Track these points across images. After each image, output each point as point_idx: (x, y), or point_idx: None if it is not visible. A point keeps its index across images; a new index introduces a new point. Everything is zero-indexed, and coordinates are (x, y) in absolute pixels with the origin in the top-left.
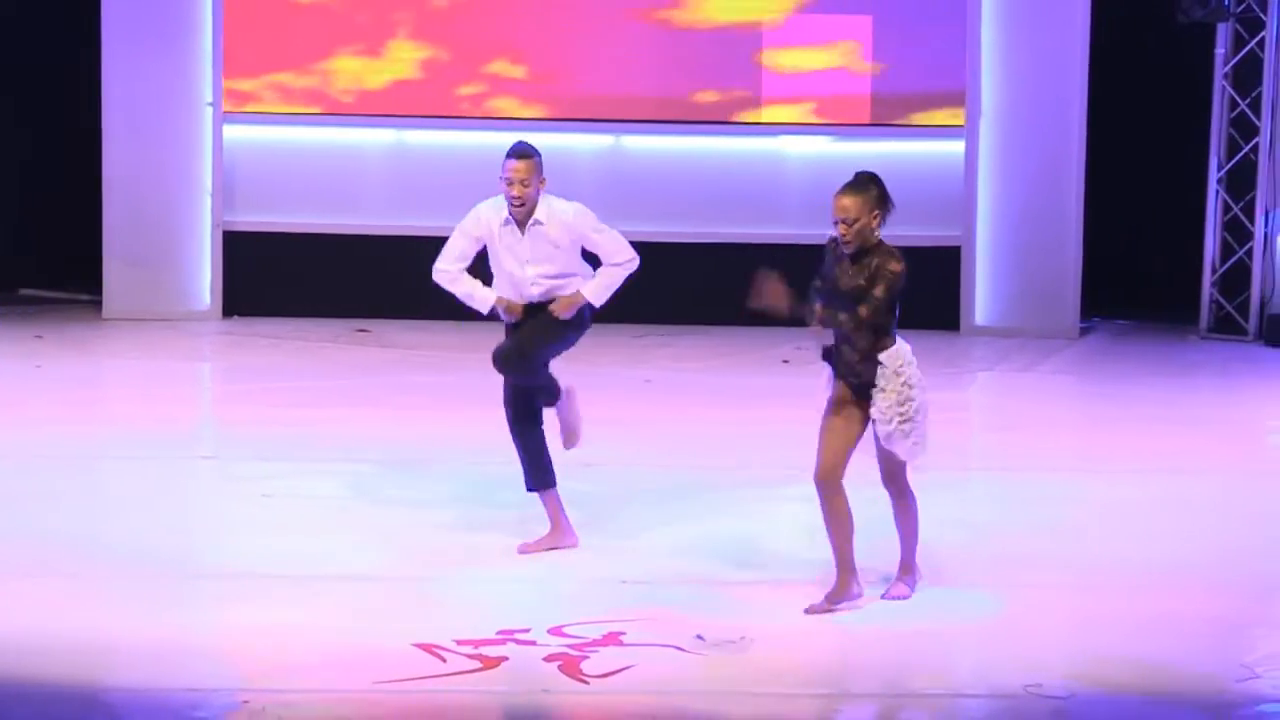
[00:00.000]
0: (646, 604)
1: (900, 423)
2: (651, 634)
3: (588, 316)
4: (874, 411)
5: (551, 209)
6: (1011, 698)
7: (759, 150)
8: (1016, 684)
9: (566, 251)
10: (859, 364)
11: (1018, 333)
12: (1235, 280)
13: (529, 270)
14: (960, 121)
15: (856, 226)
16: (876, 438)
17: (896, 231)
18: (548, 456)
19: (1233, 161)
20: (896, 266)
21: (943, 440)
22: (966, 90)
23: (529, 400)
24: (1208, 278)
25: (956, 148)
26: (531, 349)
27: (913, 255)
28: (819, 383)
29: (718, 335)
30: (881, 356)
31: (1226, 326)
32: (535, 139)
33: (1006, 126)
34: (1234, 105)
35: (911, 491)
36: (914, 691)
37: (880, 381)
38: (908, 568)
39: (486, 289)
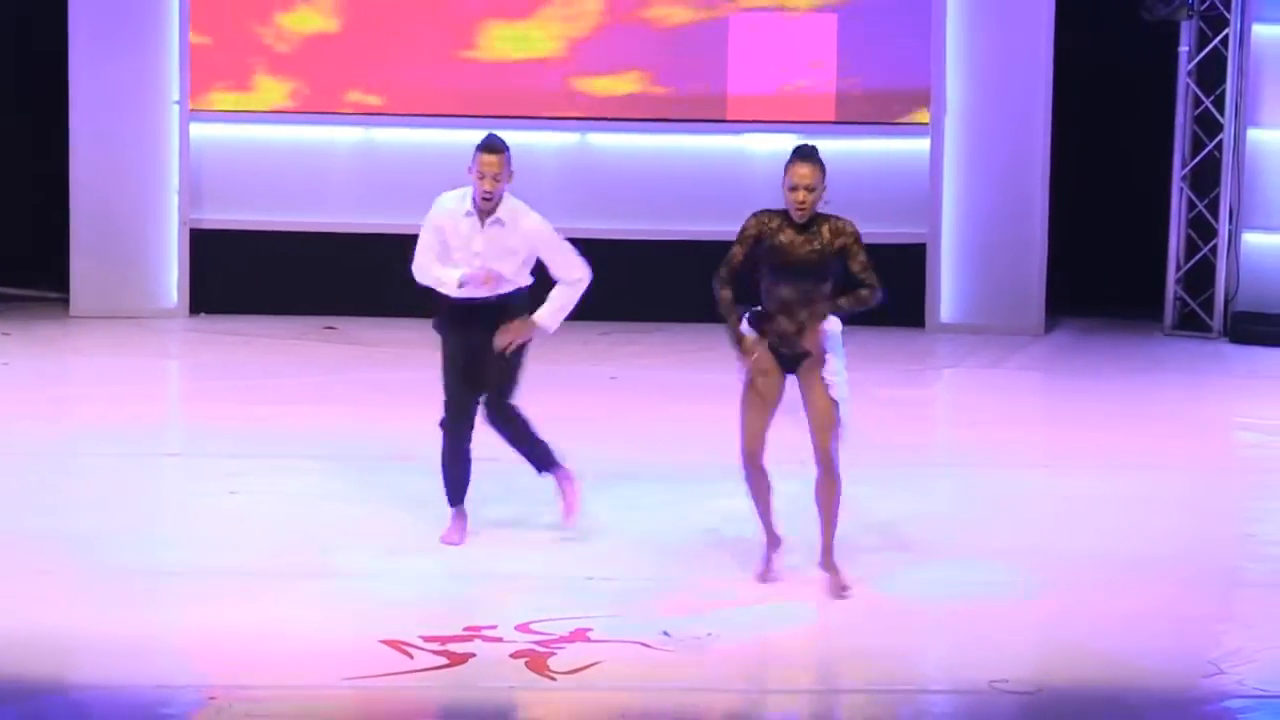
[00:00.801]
0: (613, 600)
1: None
2: (618, 630)
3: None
4: (826, 373)
5: (515, 213)
6: (978, 693)
7: (724, 148)
8: (983, 679)
9: (518, 259)
10: (794, 334)
11: (983, 329)
12: (1199, 277)
13: (479, 257)
14: (925, 119)
15: (815, 194)
16: (813, 412)
17: (863, 229)
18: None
19: (1197, 159)
20: (852, 226)
21: (908, 437)
22: (931, 88)
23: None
24: (1172, 275)
25: (922, 145)
26: (508, 398)
27: (878, 253)
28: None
29: (682, 332)
30: (827, 327)
31: (1191, 323)
32: (502, 136)
33: (971, 124)
34: (1198, 103)
35: (839, 474)
36: (880, 687)
37: (828, 346)
38: (831, 564)
39: (453, 271)
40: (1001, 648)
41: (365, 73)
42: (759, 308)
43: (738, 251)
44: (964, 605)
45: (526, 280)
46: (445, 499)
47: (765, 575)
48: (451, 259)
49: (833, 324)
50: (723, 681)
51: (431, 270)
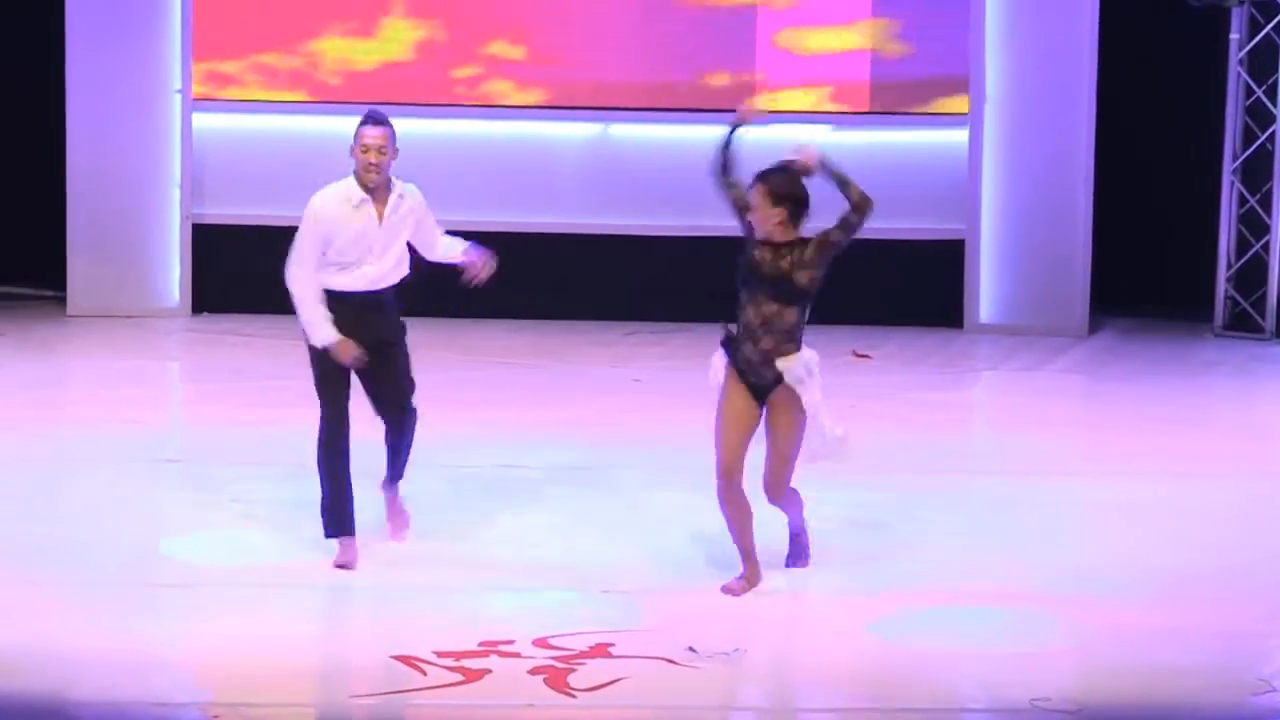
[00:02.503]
0: (636, 614)
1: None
2: (641, 646)
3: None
4: (806, 406)
5: (404, 186)
6: (1019, 711)
7: (753, 140)
8: (1023, 698)
9: (410, 233)
10: (758, 364)
11: (1024, 330)
12: (1251, 275)
13: (391, 253)
14: (964, 109)
15: (791, 222)
16: (774, 441)
17: (897, 224)
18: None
19: (1248, 151)
20: (812, 252)
21: (945, 442)
22: (970, 76)
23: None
24: (1222, 272)
25: (960, 137)
26: (409, 392)
27: (914, 249)
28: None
29: (709, 333)
30: (781, 364)
31: (1242, 323)
32: (520, 127)
33: (1012, 115)
34: (1249, 92)
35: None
36: (916, 706)
37: (795, 378)
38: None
39: (330, 328)
40: (1042, 663)
41: (376, 59)
42: (733, 326)
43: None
44: (1003, 618)
45: (406, 269)
46: (325, 531)
47: (732, 588)
48: (353, 257)
49: (806, 355)
50: (751, 699)
51: (309, 304)
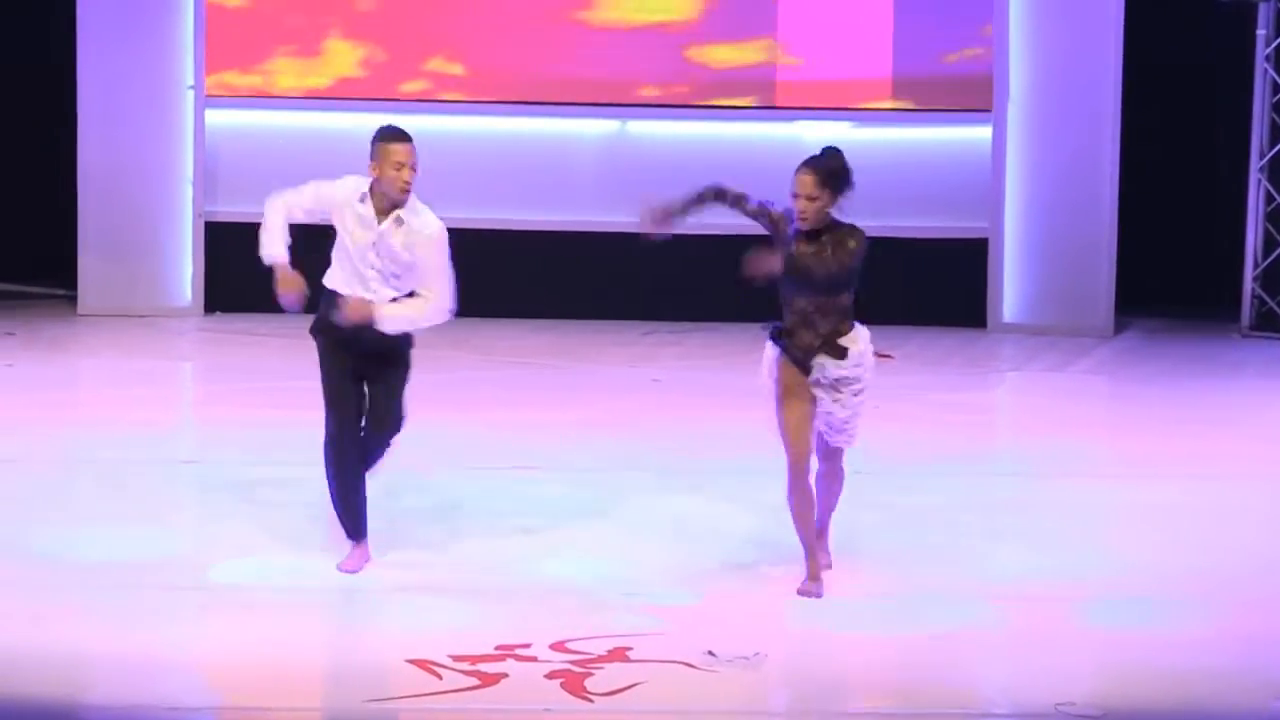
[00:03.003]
0: (654, 617)
1: (855, 415)
2: (660, 649)
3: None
4: (835, 399)
5: (420, 214)
6: (1042, 716)
7: (773, 136)
8: (1046, 701)
9: (410, 264)
10: (819, 347)
11: (1048, 330)
12: (1278, 274)
13: (373, 262)
14: (987, 106)
15: (816, 205)
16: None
17: (919, 222)
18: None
19: (1276, 148)
20: (853, 243)
21: (968, 444)
22: (994, 72)
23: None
24: (1249, 272)
25: (983, 134)
26: (393, 421)
27: (937, 248)
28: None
29: (729, 332)
30: (845, 342)
31: (1269, 323)
32: (535, 124)
33: (1036, 111)
34: (1276, 89)
35: (843, 470)
36: (939, 710)
37: (849, 367)
38: (817, 552)
39: (279, 249)
40: (1066, 668)
41: (390, 56)
42: (779, 323)
43: (761, 207)
44: (1026, 622)
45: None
46: (345, 532)
47: (810, 591)
48: (346, 250)
49: (864, 333)
50: (772, 704)
51: (280, 222)
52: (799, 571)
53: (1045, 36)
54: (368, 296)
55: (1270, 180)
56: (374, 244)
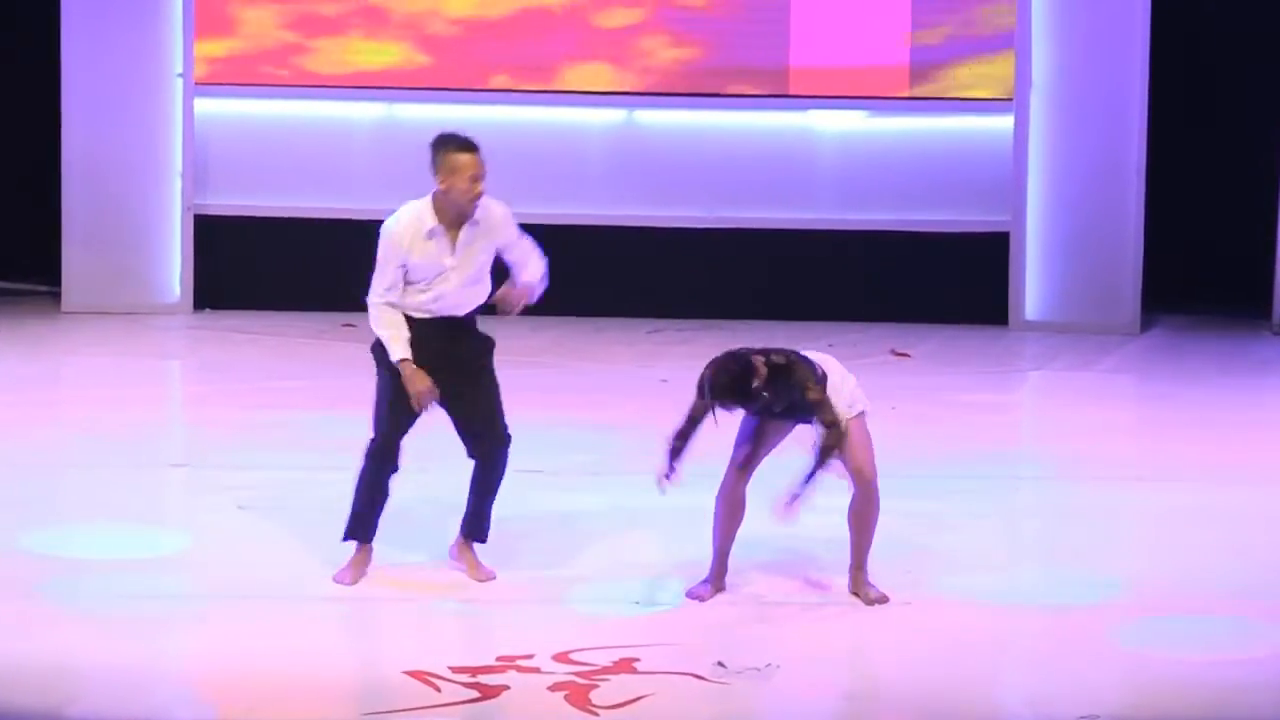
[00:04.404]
0: (662, 627)
1: None
2: (668, 660)
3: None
4: None
5: (486, 206)
6: None
7: (785, 126)
8: (1070, 713)
9: (489, 260)
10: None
11: (1072, 328)
12: None
13: (454, 280)
14: (1009, 95)
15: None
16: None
17: (940, 216)
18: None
19: None
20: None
21: (989, 446)
22: (1016, 60)
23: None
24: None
25: (1005, 124)
26: (503, 419)
27: (956, 243)
28: None
29: (739, 330)
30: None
31: None
32: (539, 114)
33: (1060, 101)
34: None
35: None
36: None
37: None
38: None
39: (405, 347)
40: (1090, 678)
41: (385, 43)
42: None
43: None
44: (1049, 631)
45: (486, 291)
46: (344, 533)
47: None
48: (420, 288)
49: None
50: (785, 717)
51: (395, 325)
52: (813, 580)
53: (1069, 22)
54: (462, 306)
55: None
56: (454, 261)
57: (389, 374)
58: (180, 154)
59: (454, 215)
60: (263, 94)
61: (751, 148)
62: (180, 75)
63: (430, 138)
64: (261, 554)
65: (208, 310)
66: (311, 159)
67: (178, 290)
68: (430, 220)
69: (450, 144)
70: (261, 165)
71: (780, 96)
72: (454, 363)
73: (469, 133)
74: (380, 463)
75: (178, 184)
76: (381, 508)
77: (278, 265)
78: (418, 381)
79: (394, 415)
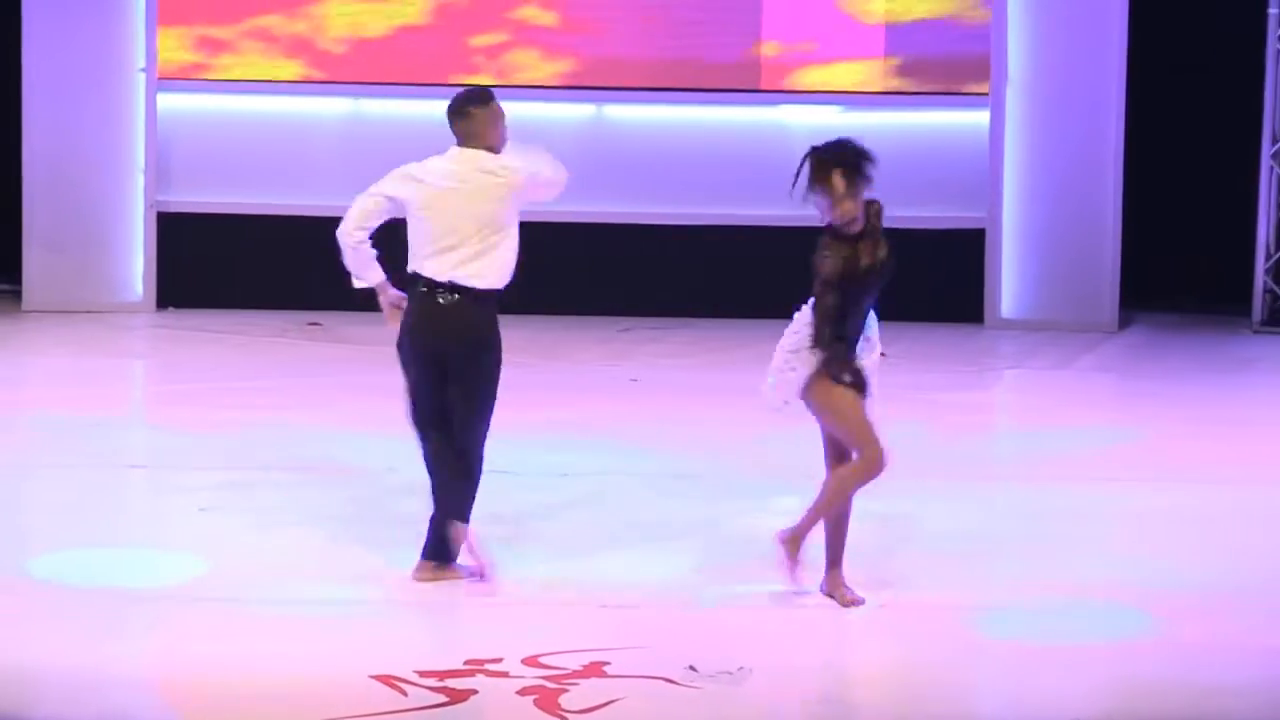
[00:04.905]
0: (633, 630)
1: None
2: (638, 664)
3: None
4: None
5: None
6: None
7: (758, 121)
8: (1052, 717)
9: (502, 199)
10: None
11: (1049, 326)
12: None
13: (476, 233)
14: (985, 89)
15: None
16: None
17: (914, 213)
18: None
19: None
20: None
21: (965, 446)
22: (992, 54)
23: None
24: (1260, 264)
25: (981, 119)
26: (474, 435)
27: (932, 239)
28: None
29: (711, 329)
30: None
31: None
32: (506, 109)
33: (1036, 95)
34: None
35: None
36: None
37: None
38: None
39: (377, 268)
40: (1074, 681)
41: (350, 38)
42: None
43: None
44: (1031, 634)
45: (499, 275)
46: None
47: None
48: (421, 234)
49: None
50: None
51: (368, 257)
52: (785, 581)
53: (1046, 15)
54: (457, 273)
55: None
56: (458, 189)
57: (406, 369)
58: (143, 150)
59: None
60: (226, 89)
61: (723, 143)
62: (143, 70)
63: (395, 134)
64: (224, 556)
65: (171, 309)
66: (276, 155)
67: (140, 289)
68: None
69: (475, 98)
70: (225, 161)
71: (752, 91)
72: (448, 351)
73: (437, 128)
74: (430, 459)
75: (140, 180)
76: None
77: (242, 263)
78: (395, 311)
79: (418, 415)
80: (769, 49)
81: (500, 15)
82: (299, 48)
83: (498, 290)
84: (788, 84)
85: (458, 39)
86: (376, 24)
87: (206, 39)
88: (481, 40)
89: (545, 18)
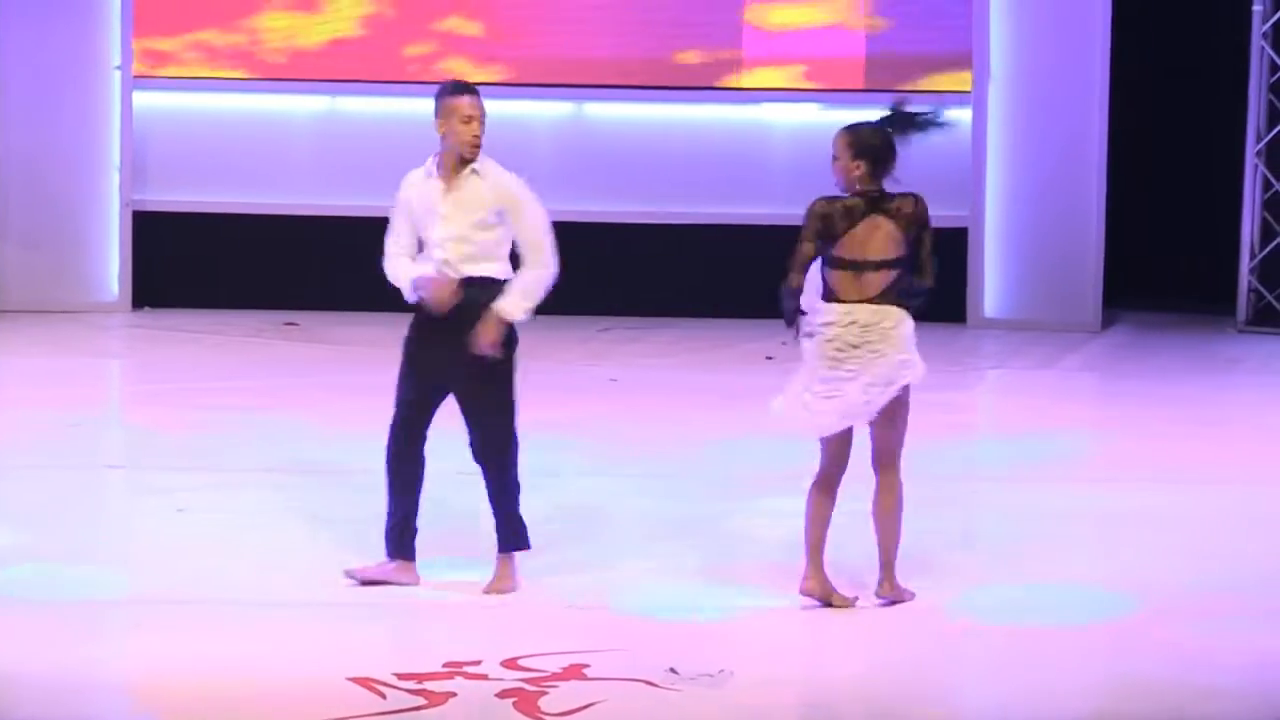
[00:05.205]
0: (613, 632)
1: None
2: (618, 667)
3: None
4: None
5: (489, 166)
6: None
7: (739, 119)
8: (1036, 718)
9: (487, 220)
10: None
11: (1032, 325)
12: (1277, 266)
13: (441, 229)
14: (967, 87)
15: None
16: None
17: None
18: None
19: (1273, 132)
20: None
21: (947, 447)
22: (973, 51)
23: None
24: (1245, 263)
25: (962, 117)
26: (494, 430)
27: None
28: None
29: (691, 328)
30: None
31: (1267, 318)
32: (485, 107)
33: (1019, 93)
34: (1274, 68)
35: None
36: None
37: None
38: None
39: (410, 265)
40: (1059, 683)
41: (330, 35)
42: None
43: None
44: (1015, 635)
45: (500, 265)
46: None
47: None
48: (426, 240)
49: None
50: None
51: (399, 266)
52: (765, 584)
53: (1028, 12)
54: (437, 252)
55: (1268, 165)
56: (446, 206)
57: (402, 352)
58: (118, 148)
59: (454, 161)
60: (202, 87)
61: (703, 141)
62: (118, 68)
63: (374, 132)
64: (201, 558)
65: (147, 309)
66: (252, 153)
67: (116, 288)
68: (432, 166)
69: (447, 89)
70: (201, 160)
71: (733, 89)
72: (441, 356)
73: (412, 126)
74: (395, 455)
75: (115, 179)
76: (408, 515)
77: (218, 262)
78: (440, 287)
79: (402, 385)
80: (750, 47)
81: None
82: (240, 59)
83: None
84: (769, 82)
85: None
86: (310, 37)
87: (149, 51)
88: (459, 36)
89: (470, 27)
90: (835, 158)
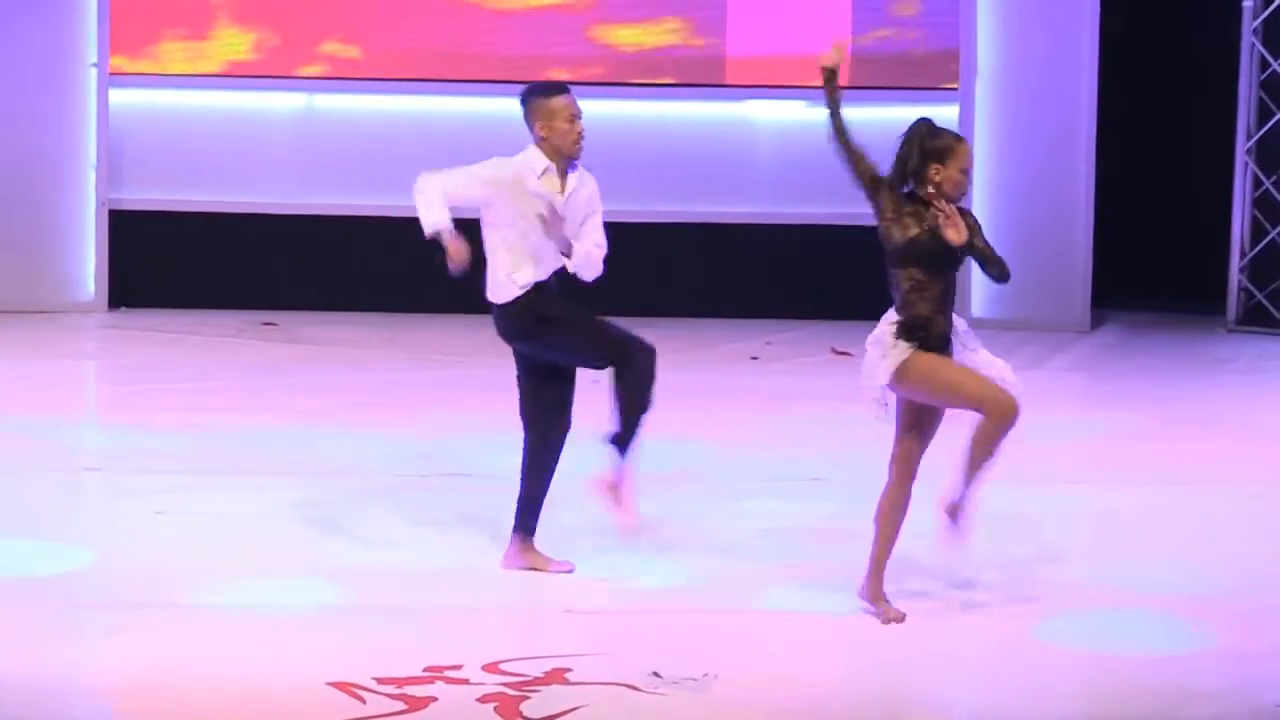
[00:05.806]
0: (595, 636)
1: None
2: (601, 671)
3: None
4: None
5: (585, 172)
6: None
7: (721, 117)
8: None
9: (583, 214)
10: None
11: (1021, 325)
12: (1267, 265)
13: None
14: (954, 84)
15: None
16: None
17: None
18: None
19: (1264, 129)
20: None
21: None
22: (961, 47)
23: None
24: (1235, 262)
25: (950, 113)
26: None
27: None
28: (792, 382)
29: (675, 328)
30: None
31: (1257, 318)
32: (462, 104)
33: (1006, 89)
34: (1265, 65)
35: None
36: None
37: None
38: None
39: (441, 215)
40: (1044, 686)
41: (307, 33)
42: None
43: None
44: (1002, 638)
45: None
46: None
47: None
48: (523, 228)
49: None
50: None
51: (435, 197)
52: (750, 587)
53: (1016, 9)
54: (543, 276)
55: (1258, 163)
56: (565, 204)
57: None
58: (94, 147)
59: (561, 160)
60: (179, 84)
61: (686, 139)
62: (94, 65)
63: (352, 130)
64: (179, 561)
65: (124, 309)
66: (230, 152)
67: (92, 288)
68: (542, 161)
69: (539, 91)
70: (179, 159)
71: (716, 86)
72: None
73: (396, 124)
74: (532, 461)
75: (92, 178)
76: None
77: (196, 262)
78: (457, 251)
79: (523, 402)
80: (734, 44)
81: (463, 10)
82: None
83: (494, 304)
84: (753, 79)
85: (414, 32)
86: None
87: (126, 45)
88: (437, 33)
89: (452, 24)
90: (964, 170)
